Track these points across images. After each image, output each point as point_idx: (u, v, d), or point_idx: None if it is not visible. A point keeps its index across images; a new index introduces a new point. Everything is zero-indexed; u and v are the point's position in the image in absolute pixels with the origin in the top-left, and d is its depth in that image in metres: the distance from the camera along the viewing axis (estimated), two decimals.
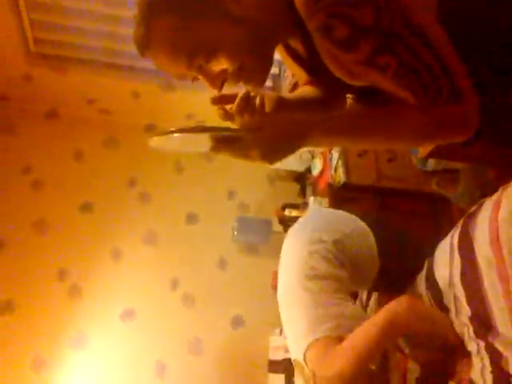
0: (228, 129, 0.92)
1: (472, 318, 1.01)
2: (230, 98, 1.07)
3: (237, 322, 3.07)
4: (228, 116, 1.07)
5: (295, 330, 1.51)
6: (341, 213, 1.72)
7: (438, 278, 1.15)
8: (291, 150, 0.94)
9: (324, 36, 0.85)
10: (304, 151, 2.81)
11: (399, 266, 1.58)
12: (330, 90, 1.20)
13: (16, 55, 2.94)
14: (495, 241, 0.92)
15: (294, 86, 2.87)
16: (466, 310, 1.01)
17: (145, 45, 0.93)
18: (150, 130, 3.46)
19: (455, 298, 1.05)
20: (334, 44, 0.85)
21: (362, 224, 1.64)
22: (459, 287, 1.02)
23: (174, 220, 3.29)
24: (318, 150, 3.05)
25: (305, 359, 1.41)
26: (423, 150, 1.57)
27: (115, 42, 2.90)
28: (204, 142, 0.92)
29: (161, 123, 3.43)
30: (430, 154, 1.53)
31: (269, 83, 3.23)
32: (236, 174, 3.35)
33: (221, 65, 0.96)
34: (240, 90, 1.07)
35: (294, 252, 1.62)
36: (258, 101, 1.06)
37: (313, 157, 3.23)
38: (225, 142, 0.92)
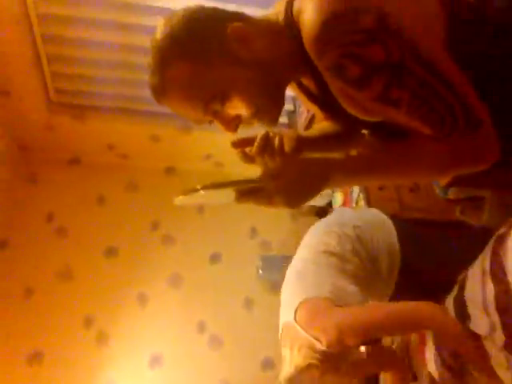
0: (250, 181, 0.95)
1: (507, 346, 0.97)
2: (249, 141, 1.11)
3: (267, 364, 3.00)
4: (248, 158, 1.11)
5: (290, 293, 1.48)
6: (366, 209, 1.72)
7: (468, 303, 1.12)
8: (313, 193, 0.96)
9: (335, 75, 0.86)
10: None
11: (422, 265, 1.54)
12: (345, 126, 1.20)
13: (38, 106, 3.04)
14: None
15: (310, 122, 2.89)
16: (502, 339, 0.98)
17: (160, 93, 0.96)
18: (170, 172, 3.51)
19: (491, 325, 1.01)
20: (347, 83, 0.86)
21: (385, 218, 1.64)
22: (494, 314, 0.99)
23: (198, 261, 3.28)
24: None
25: (295, 317, 1.36)
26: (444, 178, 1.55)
27: (132, 88, 2.97)
28: (227, 194, 0.95)
29: (180, 165, 3.48)
30: (451, 183, 1.52)
31: (284, 120, 3.27)
32: (257, 212, 3.30)
33: (235, 107, 0.98)
34: (259, 132, 1.11)
35: (313, 232, 1.62)
36: (276, 141, 1.08)
37: (333, 191, 3.22)
38: (248, 192, 0.94)
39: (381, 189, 2.67)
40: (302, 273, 1.52)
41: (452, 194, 1.78)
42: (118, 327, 2.97)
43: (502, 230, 1.05)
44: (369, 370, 1.44)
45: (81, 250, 3.13)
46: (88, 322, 2.95)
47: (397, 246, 1.55)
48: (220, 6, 0.99)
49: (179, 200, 0.96)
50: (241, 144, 1.13)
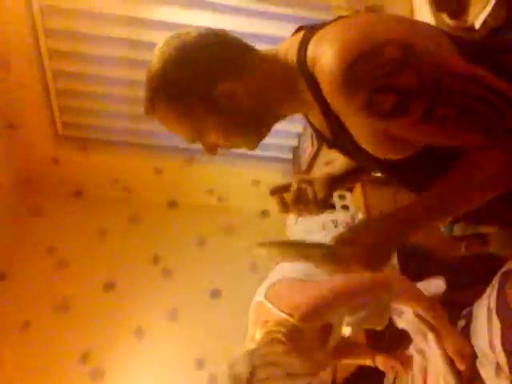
0: (324, 246, 0.98)
1: None
2: (285, 188, 1.20)
3: None
4: (285, 207, 1.20)
5: (267, 280, 1.53)
6: None
7: (473, 341, 1.10)
8: (390, 254, 0.96)
9: (370, 113, 0.83)
10: (327, 221, 2.79)
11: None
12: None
13: (45, 139, 3.08)
14: None
15: (314, 158, 2.90)
16: (509, 377, 0.95)
17: (151, 116, 1.01)
18: (172, 206, 3.50)
19: (497, 364, 0.99)
20: (382, 116, 0.83)
21: None
22: (501, 353, 0.97)
23: (198, 296, 3.23)
24: (342, 218, 3.03)
25: (265, 295, 1.38)
26: None
27: (137, 123, 3.00)
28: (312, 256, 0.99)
29: (183, 199, 3.48)
30: (457, 219, 1.51)
31: (289, 156, 3.30)
32: None
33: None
34: (293, 180, 1.21)
35: None
36: (309, 193, 1.16)
37: (335, 226, 3.19)
38: (329, 259, 0.96)
39: None
40: (282, 265, 1.54)
41: (458, 230, 1.76)
42: (114, 362, 2.91)
43: (508, 267, 1.03)
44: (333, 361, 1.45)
45: (80, 283, 3.10)
46: (84, 357, 2.89)
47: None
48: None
49: (259, 252, 1.00)
50: (278, 191, 1.20)
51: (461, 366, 1.13)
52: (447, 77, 0.81)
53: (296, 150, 3.25)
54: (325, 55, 0.84)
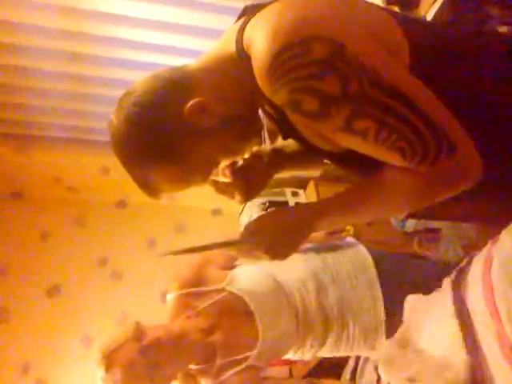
0: (230, 243, 1.02)
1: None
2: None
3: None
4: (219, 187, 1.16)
5: None
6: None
7: None
8: (296, 245, 0.97)
9: (293, 110, 0.82)
10: None
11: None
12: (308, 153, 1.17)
13: None
14: (491, 302, 0.86)
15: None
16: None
17: (153, 193, 1.00)
18: (121, 205, 3.38)
19: None
20: (306, 116, 0.81)
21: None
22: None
23: (148, 299, 3.13)
24: None
25: None
26: None
27: (79, 119, 2.86)
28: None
29: (131, 198, 3.34)
30: (409, 215, 1.50)
31: None
32: None
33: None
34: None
35: None
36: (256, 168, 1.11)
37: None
38: (231, 247, 1.02)
39: None
40: None
41: (410, 226, 1.77)
42: (59, 373, 2.80)
43: (462, 264, 1.02)
44: None
45: (21, 290, 2.93)
46: (26, 369, 2.75)
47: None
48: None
49: (165, 257, 1.08)
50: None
51: None
52: (374, 86, 0.77)
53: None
54: (256, 39, 0.81)
